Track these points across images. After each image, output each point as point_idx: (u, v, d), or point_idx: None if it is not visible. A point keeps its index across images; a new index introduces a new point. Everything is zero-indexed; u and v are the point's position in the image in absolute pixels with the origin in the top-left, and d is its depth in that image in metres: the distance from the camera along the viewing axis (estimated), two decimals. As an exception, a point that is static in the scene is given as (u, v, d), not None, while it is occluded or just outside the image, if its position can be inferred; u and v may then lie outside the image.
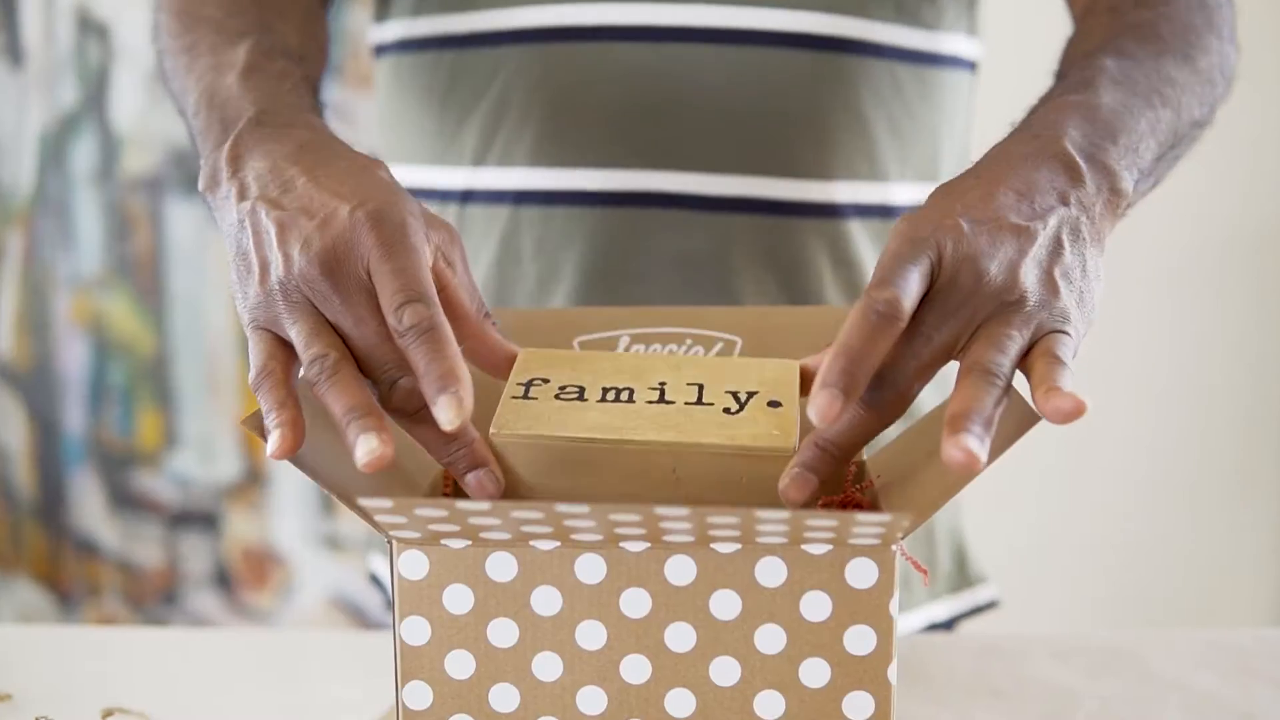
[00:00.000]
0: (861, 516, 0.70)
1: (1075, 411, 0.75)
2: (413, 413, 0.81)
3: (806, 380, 0.87)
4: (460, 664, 0.77)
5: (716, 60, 1.15)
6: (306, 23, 1.12)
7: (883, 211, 1.21)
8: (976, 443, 0.73)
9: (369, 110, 2.32)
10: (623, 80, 1.15)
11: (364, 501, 0.71)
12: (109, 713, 1.00)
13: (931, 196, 0.85)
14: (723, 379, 0.86)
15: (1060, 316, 0.81)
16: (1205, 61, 1.05)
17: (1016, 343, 0.79)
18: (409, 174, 1.25)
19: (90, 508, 2.70)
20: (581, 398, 0.84)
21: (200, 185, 0.92)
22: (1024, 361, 0.80)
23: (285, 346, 0.82)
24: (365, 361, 0.81)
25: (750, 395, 0.84)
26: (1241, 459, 2.73)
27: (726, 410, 0.83)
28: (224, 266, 2.57)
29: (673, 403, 0.84)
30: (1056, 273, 0.82)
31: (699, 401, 0.84)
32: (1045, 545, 2.67)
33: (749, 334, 0.94)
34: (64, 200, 2.60)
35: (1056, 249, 0.83)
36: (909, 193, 1.22)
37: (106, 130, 2.58)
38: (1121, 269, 2.53)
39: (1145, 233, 2.50)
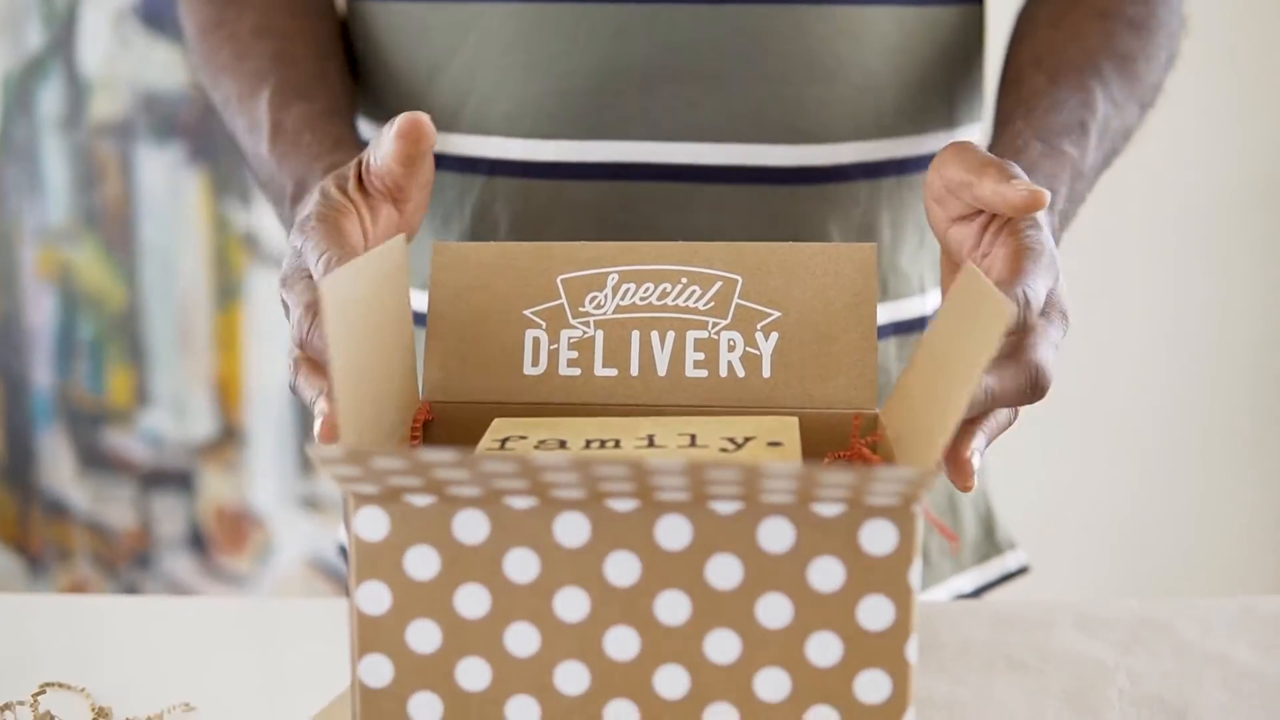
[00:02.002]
0: (881, 471, 0.65)
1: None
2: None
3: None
4: (424, 636, 0.72)
5: (707, 18, 1.09)
6: (317, 23, 1.18)
7: (896, 168, 1.16)
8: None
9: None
10: (607, 42, 1.10)
11: (315, 450, 0.67)
12: (43, 689, 0.96)
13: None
14: (716, 429, 0.82)
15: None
16: (1154, 100, 1.14)
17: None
18: (375, 131, 1.21)
19: (59, 468, 2.71)
20: (563, 446, 0.80)
21: None
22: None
23: None
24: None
25: (748, 439, 0.80)
26: (1268, 421, 2.73)
27: (723, 450, 0.79)
28: (196, 215, 2.59)
29: (664, 447, 0.79)
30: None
31: (692, 445, 0.79)
32: (1061, 510, 2.67)
33: (750, 272, 0.89)
34: (29, 147, 2.60)
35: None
36: (922, 145, 1.17)
37: (74, 74, 2.58)
38: (1125, 233, 2.54)
39: (1149, 198, 2.50)
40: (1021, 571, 1.31)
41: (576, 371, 0.88)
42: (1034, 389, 0.82)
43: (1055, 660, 1.01)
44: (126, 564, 2.72)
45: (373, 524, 0.71)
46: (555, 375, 0.88)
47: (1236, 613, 1.08)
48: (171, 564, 2.72)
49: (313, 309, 0.85)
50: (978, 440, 0.82)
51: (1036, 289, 0.83)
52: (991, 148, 1.03)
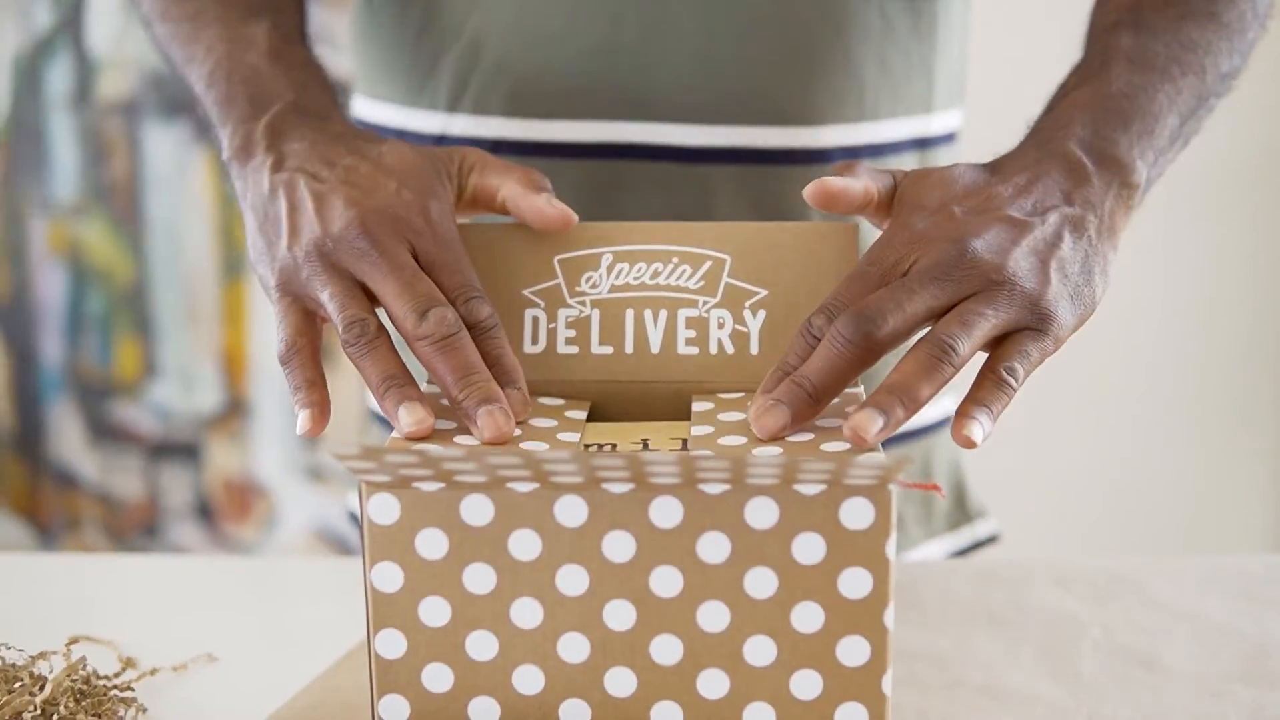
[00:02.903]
0: (860, 459, 0.69)
1: (968, 445, 0.80)
2: (440, 339, 0.84)
3: None
4: (435, 611, 0.76)
5: (698, 5, 1.12)
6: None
7: (873, 151, 1.18)
8: (877, 423, 0.78)
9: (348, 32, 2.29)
10: (603, 26, 1.13)
11: (330, 448, 0.71)
12: (74, 640, 0.99)
13: (930, 183, 0.90)
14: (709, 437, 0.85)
15: (1043, 315, 0.84)
16: (1232, 13, 1.06)
17: (988, 322, 0.82)
18: (383, 112, 1.24)
19: (69, 439, 2.71)
20: None
21: (225, 154, 0.98)
22: (991, 352, 0.84)
23: (313, 320, 0.88)
24: (402, 296, 0.86)
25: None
26: (1241, 385, 2.74)
27: None
28: (203, 191, 2.58)
29: (659, 450, 0.82)
30: (1052, 265, 0.86)
31: (683, 449, 0.83)
32: (1042, 474, 2.67)
33: (738, 252, 0.92)
34: (39, 125, 2.60)
35: (1055, 241, 0.87)
36: (900, 129, 1.20)
37: (82, 53, 2.57)
38: None
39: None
40: (991, 540, 1.34)
41: (574, 350, 0.91)
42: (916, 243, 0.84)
43: (1032, 614, 1.04)
44: (134, 533, 2.73)
45: (385, 509, 0.75)
46: (554, 353, 0.91)
47: (1206, 571, 1.11)
48: (178, 533, 2.72)
49: (298, 352, 0.86)
50: (982, 418, 0.81)
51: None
52: None
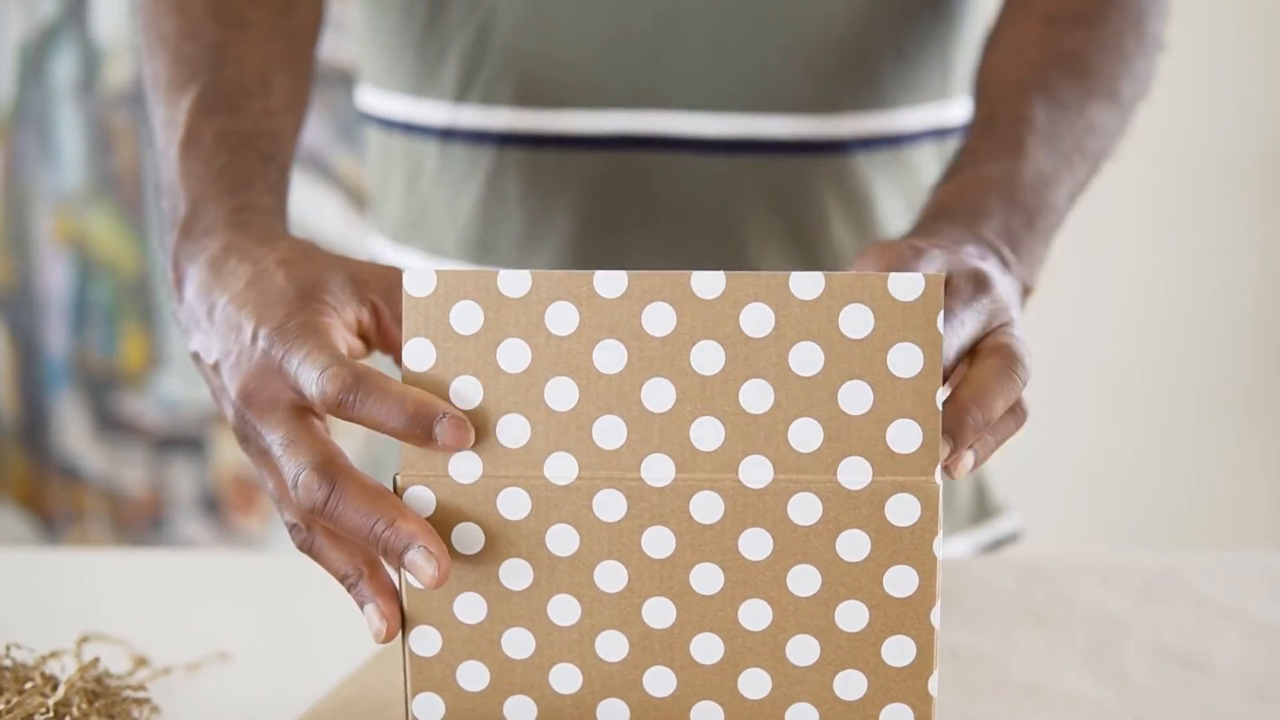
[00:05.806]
0: (900, 274, 0.71)
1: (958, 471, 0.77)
2: (310, 511, 0.76)
3: None
4: (470, 608, 0.76)
5: None
6: (281, 18, 1.05)
7: (891, 142, 1.18)
8: (971, 461, 0.77)
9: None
10: (612, 14, 1.12)
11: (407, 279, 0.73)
12: (85, 639, 0.98)
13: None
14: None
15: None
16: (1130, 90, 1.07)
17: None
18: (388, 103, 1.23)
19: (74, 431, 2.72)
20: None
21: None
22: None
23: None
24: (278, 474, 0.78)
25: None
26: (1260, 376, 2.75)
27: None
28: None
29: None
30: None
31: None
32: (1059, 466, 2.68)
33: None
34: (44, 115, 2.61)
35: None
36: (918, 118, 1.19)
37: (87, 42, 2.58)
38: (1121, 188, 2.56)
39: (1145, 150, 2.50)
40: (1012, 538, 1.33)
41: None
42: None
43: (1077, 612, 1.04)
44: (140, 526, 2.73)
45: (420, 501, 0.74)
46: None
47: (1252, 568, 1.11)
48: (185, 526, 2.73)
49: (328, 469, 0.74)
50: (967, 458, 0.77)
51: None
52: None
